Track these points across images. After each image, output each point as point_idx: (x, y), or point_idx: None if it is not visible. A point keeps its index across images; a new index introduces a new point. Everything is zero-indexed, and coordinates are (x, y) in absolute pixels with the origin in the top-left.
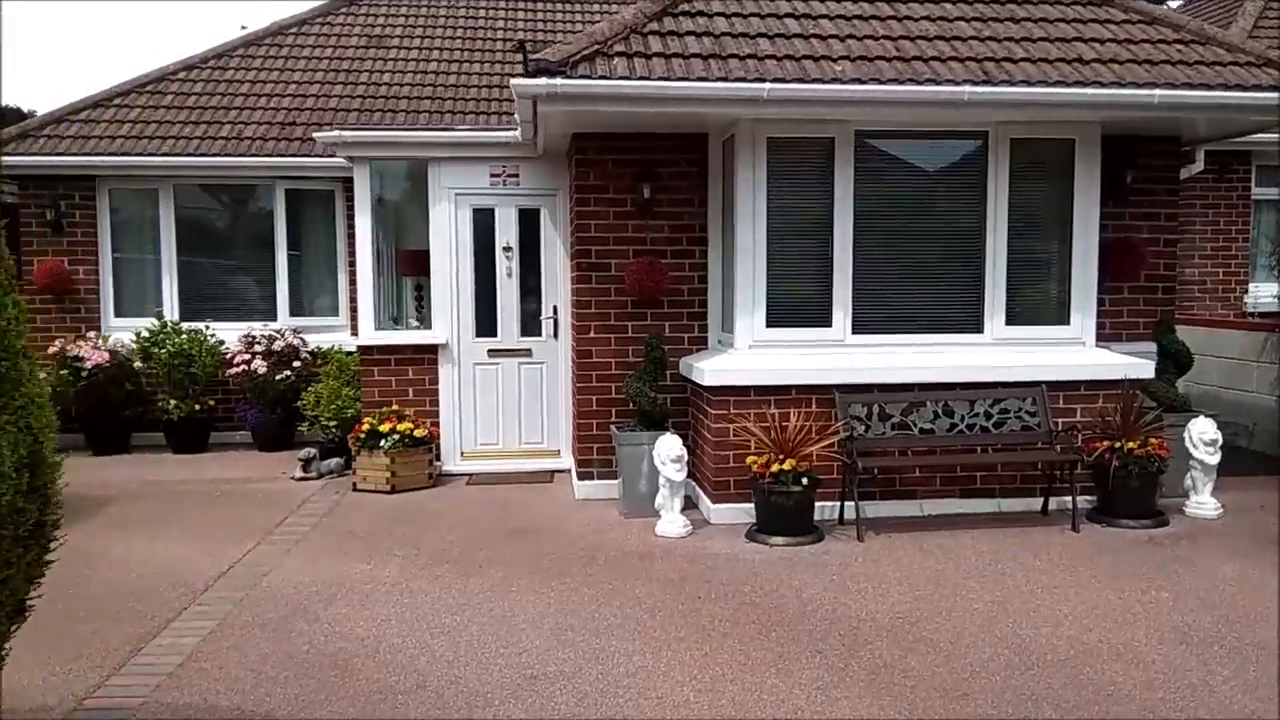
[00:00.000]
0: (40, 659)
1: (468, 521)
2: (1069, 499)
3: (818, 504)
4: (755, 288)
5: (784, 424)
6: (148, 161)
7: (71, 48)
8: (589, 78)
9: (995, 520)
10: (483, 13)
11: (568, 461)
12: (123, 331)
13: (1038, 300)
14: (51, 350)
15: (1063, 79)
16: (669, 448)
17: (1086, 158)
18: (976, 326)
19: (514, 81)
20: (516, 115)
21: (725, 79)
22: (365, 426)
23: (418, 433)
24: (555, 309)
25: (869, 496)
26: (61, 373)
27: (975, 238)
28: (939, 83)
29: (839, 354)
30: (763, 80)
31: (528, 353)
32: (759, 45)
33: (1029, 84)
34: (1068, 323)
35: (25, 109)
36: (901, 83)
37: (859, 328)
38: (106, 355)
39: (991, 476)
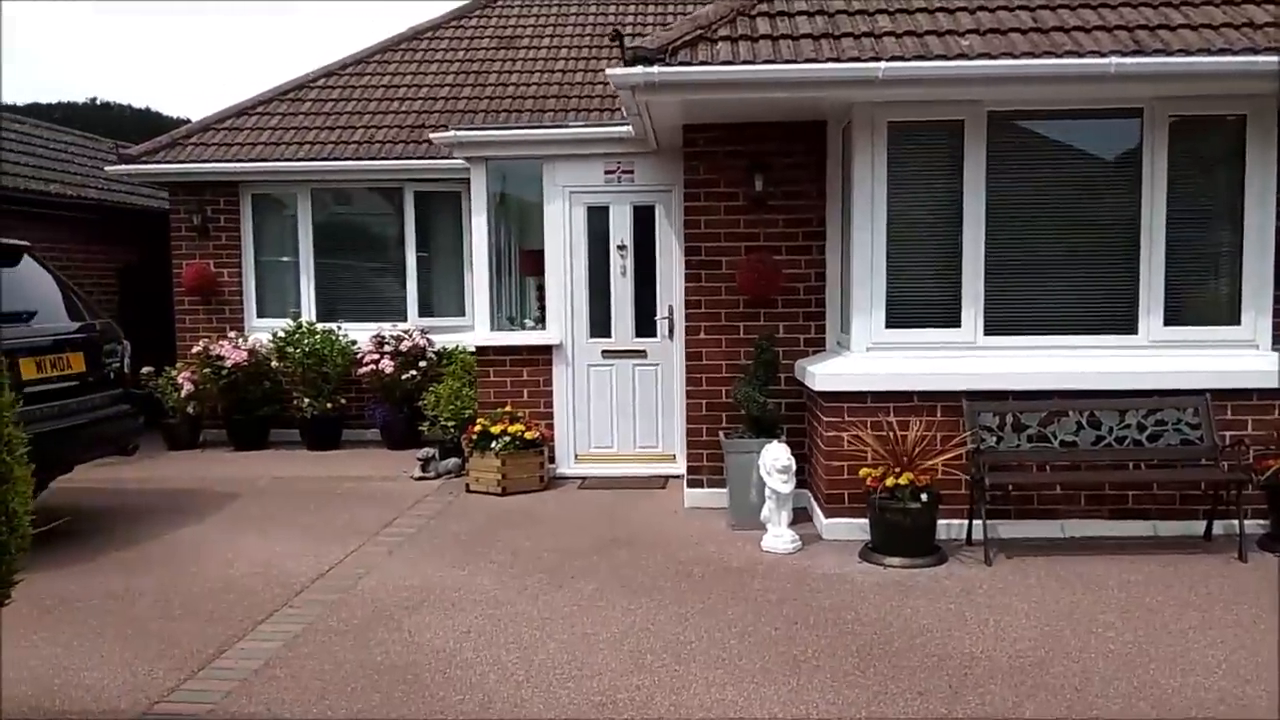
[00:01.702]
0: (127, 657)
1: (570, 528)
2: (1236, 523)
3: (943, 522)
4: (874, 285)
5: (902, 434)
6: (284, 166)
7: (241, 61)
8: (689, 64)
9: (1148, 545)
10: (613, 8)
11: (682, 467)
12: (265, 332)
13: (1202, 297)
14: (195, 349)
15: (1228, 46)
16: (775, 457)
17: (1260, 136)
18: (1129, 327)
19: (609, 71)
20: (623, 109)
21: (836, 60)
22: (478, 428)
23: (529, 435)
24: (670, 309)
25: (1001, 515)
26: (204, 371)
27: (1128, 227)
28: (1081, 55)
29: (968, 357)
30: (878, 59)
31: (642, 354)
32: (877, 22)
33: (1187, 53)
34: (1238, 322)
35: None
36: (1037, 56)
37: (992, 328)
38: (245, 354)
39: (1145, 496)
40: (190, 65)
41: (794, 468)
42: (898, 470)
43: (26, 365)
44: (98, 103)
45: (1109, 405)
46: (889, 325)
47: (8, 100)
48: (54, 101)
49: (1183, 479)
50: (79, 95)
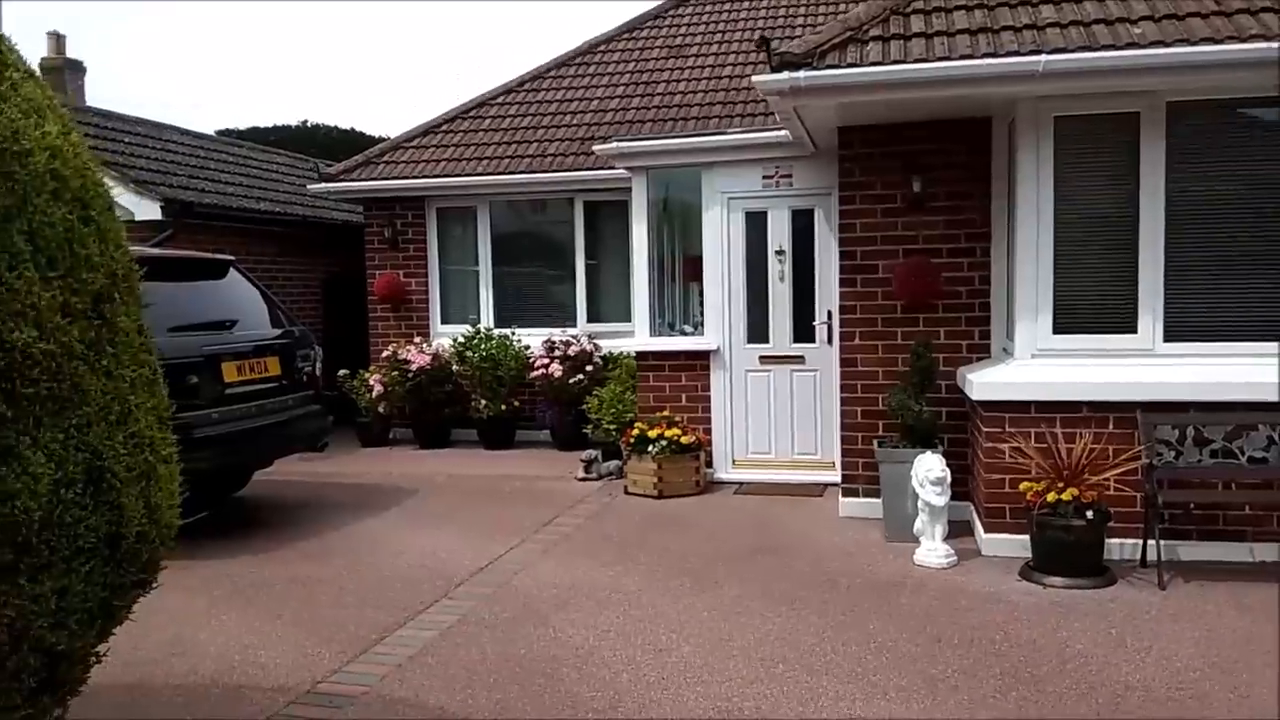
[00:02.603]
0: (299, 639)
1: (721, 533)
2: None
3: (1115, 541)
4: (1039, 288)
5: (1067, 446)
6: (465, 181)
7: (436, 77)
8: (836, 67)
9: None
10: (783, 13)
11: (840, 475)
12: (448, 337)
13: None
14: (385, 354)
15: None
16: (928, 468)
17: None
18: None
19: (755, 78)
20: (776, 114)
21: (993, 55)
22: (635, 432)
23: (685, 439)
24: (829, 314)
25: (1181, 536)
26: (392, 374)
27: None
28: (1269, 38)
29: (1145, 365)
30: (1038, 52)
31: (800, 359)
32: (1040, 13)
33: None
34: None
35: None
36: (1218, 41)
37: (1172, 334)
38: (428, 359)
39: None
40: (389, 86)
41: (948, 479)
42: (1061, 485)
43: (228, 369)
44: (308, 125)
45: None
46: (1056, 331)
47: (232, 125)
48: (270, 125)
49: None
50: (292, 119)
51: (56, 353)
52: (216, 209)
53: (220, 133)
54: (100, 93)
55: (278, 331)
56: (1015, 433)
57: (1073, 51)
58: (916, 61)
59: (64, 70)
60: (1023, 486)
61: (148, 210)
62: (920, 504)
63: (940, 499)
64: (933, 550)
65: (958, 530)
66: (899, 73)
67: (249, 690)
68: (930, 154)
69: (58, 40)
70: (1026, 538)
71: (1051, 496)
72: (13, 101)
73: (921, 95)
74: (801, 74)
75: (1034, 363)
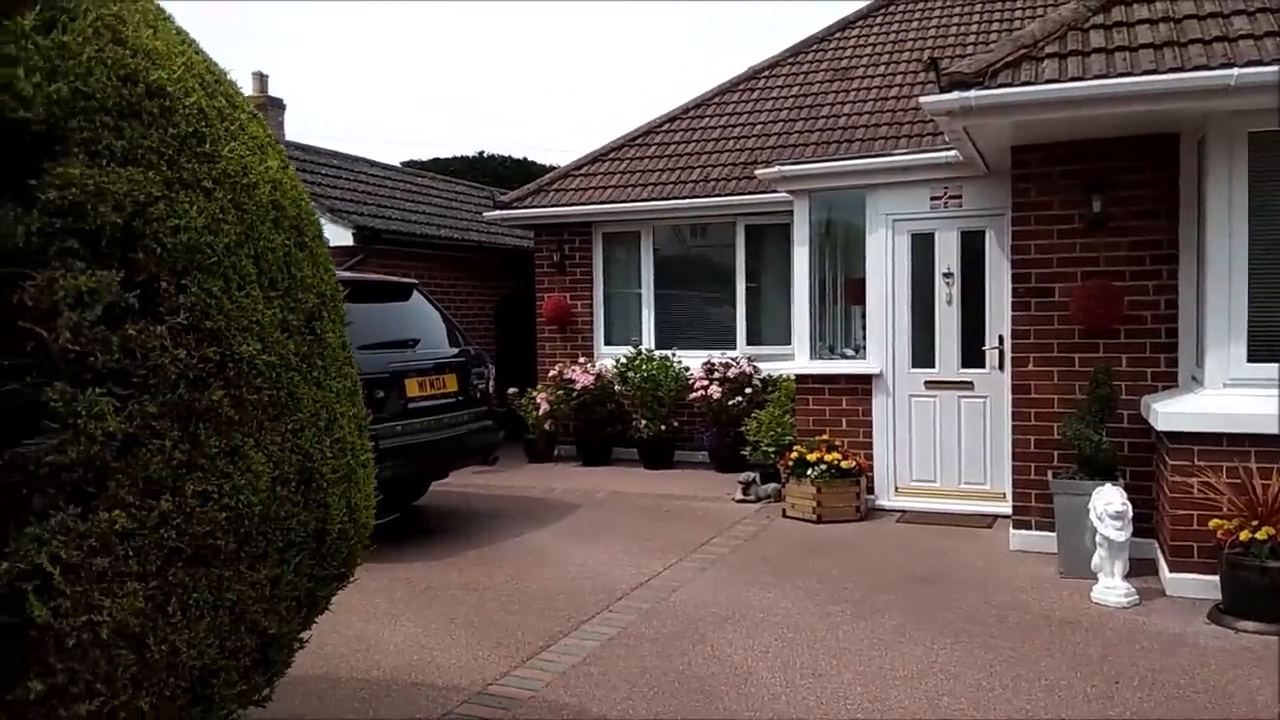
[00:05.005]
0: (472, 643)
1: (882, 561)
2: None
3: None
4: (1232, 314)
5: (1264, 482)
6: (630, 207)
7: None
8: (1009, 85)
9: None
10: (952, 34)
11: (1010, 506)
12: (611, 358)
13: None
14: (551, 374)
15: None
16: (1107, 501)
17: None
18: None
19: (923, 99)
20: (945, 136)
21: (1179, 70)
22: (794, 455)
23: (845, 464)
24: (1001, 338)
25: None
26: (558, 393)
27: None
28: None
29: None
30: (1230, 66)
31: (969, 385)
32: (1232, 24)
33: None
34: None
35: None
36: None
37: None
38: (592, 379)
39: None
40: (560, 118)
41: (1129, 514)
42: (1255, 523)
43: (411, 384)
44: (484, 155)
45: None
46: (1251, 359)
47: (416, 157)
48: (450, 156)
49: None
50: (470, 150)
51: (276, 364)
52: (401, 235)
53: (405, 164)
54: (297, 128)
55: (455, 350)
56: (1205, 466)
57: (1269, 64)
58: (1096, 78)
59: (266, 107)
60: (1213, 524)
61: (340, 236)
62: (1098, 539)
63: (1120, 534)
64: (1111, 588)
65: (1140, 568)
66: (1076, 89)
67: (424, 688)
68: (1111, 172)
69: (261, 80)
70: (1216, 578)
71: (1245, 535)
72: (241, 140)
73: (1101, 113)
74: (972, 93)
75: (1226, 392)
